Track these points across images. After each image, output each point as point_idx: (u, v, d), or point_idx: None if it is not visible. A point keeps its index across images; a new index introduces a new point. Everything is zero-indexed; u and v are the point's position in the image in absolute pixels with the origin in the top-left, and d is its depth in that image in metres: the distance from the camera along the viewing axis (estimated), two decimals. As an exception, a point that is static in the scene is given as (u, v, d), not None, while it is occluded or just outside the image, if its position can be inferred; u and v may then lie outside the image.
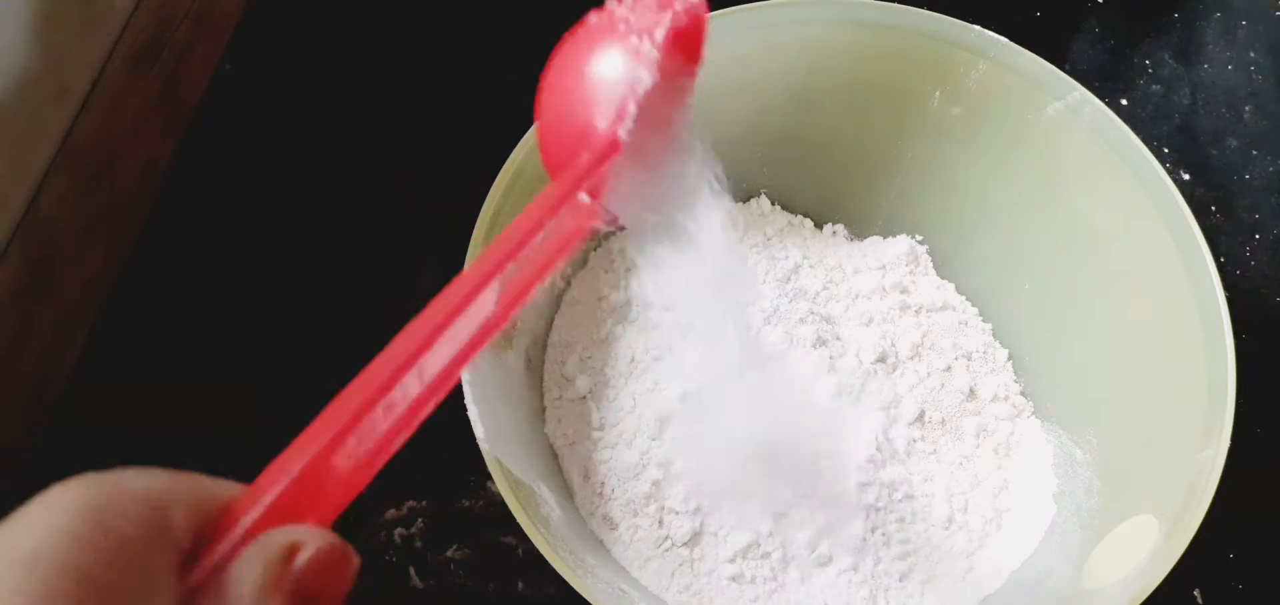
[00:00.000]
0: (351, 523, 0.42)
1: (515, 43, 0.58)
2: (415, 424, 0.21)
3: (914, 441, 0.42)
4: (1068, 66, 0.42)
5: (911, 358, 0.44)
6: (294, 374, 0.47)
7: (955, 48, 0.42)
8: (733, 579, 0.38)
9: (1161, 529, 0.33)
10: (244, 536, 0.18)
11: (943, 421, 0.43)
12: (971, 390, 0.44)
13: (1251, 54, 0.57)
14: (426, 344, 0.21)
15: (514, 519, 0.33)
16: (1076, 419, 0.42)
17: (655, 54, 0.25)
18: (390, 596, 0.41)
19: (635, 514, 0.39)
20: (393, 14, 0.59)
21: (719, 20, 0.42)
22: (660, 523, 0.39)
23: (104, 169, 0.49)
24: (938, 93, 0.43)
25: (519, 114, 0.41)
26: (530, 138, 0.40)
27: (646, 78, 0.25)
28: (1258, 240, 0.51)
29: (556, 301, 0.45)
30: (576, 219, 0.25)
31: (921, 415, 0.43)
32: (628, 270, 0.46)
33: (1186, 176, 0.53)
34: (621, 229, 0.27)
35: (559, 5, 0.61)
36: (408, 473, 0.44)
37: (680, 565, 0.39)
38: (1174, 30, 0.59)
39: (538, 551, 0.32)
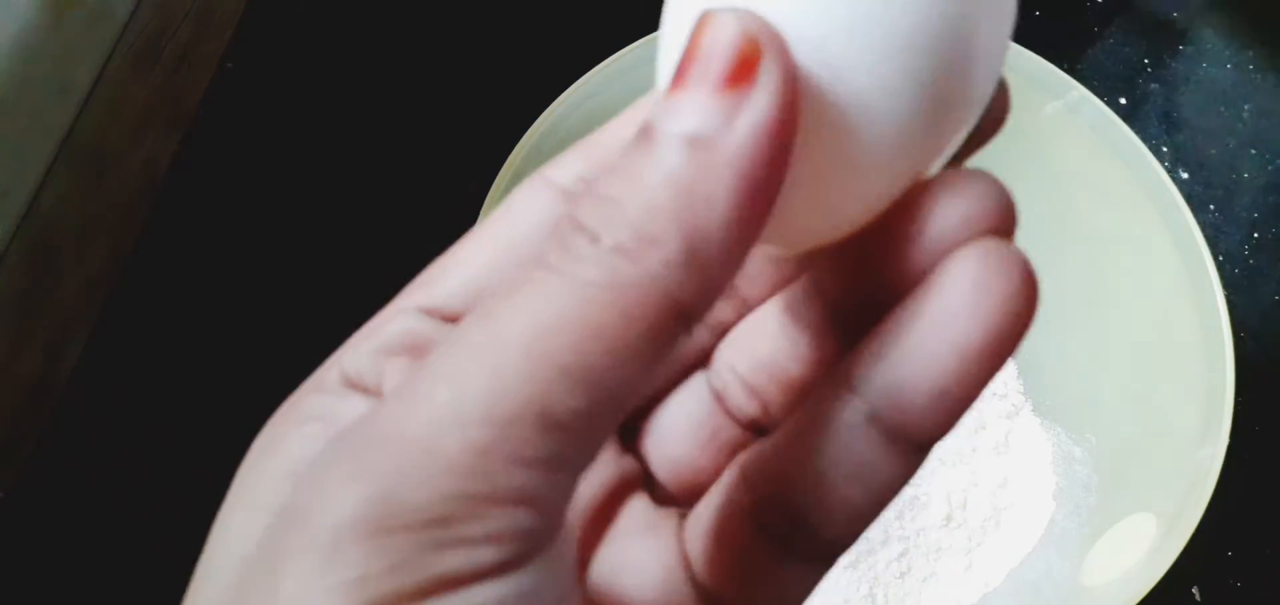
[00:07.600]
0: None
1: (516, 42, 0.58)
2: None
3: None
4: (1066, 65, 0.42)
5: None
6: (295, 373, 0.48)
7: (955, 47, 0.42)
8: (732, 577, 0.38)
9: (1160, 527, 0.33)
10: None
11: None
12: (971, 388, 0.44)
13: (1251, 53, 0.57)
14: None
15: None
16: (1075, 417, 0.42)
17: None
18: (390, 594, 0.41)
19: (635, 512, 0.39)
20: (393, 13, 0.59)
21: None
22: (660, 521, 0.39)
23: (105, 167, 0.49)
24: (937, 92, 0.43)
25: (519, 114, 0.41)
26: (530, 137, 0.40)
27: None
28: (1257, 239, 0.51)
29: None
30: None
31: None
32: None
33: (1185, 175, 0.53)
34: None
35: (559, 5, 0.61)
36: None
37: (680, 563, 0.39)
38: (1173, 29, 0.59)
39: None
